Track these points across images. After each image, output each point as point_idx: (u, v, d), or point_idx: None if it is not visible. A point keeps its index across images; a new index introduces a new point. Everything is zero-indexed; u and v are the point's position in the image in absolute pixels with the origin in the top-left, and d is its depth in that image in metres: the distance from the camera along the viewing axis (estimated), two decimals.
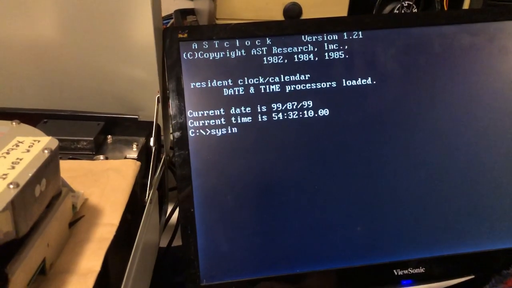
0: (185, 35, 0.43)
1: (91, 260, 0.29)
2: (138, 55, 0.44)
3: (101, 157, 0.41)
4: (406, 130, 0.44)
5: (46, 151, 0.27)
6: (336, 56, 0.44)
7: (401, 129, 0.44)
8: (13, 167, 0.26)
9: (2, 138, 0.29)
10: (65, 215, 0.30)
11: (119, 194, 0.35)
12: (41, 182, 0.26)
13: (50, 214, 0.28)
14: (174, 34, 0.43)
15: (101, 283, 0.29)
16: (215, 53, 0.43)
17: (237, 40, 0.43)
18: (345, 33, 0.44)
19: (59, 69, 0.45)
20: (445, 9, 0.52)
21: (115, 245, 0.31)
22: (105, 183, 0.36)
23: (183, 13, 0.70)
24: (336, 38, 0.44)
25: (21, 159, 0.26)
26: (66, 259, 0.29)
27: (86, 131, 0.42)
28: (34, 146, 0.28)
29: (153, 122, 0.43)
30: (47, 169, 0.27)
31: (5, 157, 0.27)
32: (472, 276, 0.44)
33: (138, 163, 0.39)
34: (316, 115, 0.44)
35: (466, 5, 0.54)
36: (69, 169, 0.37)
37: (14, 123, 0.31)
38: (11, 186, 0.24)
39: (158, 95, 0.43)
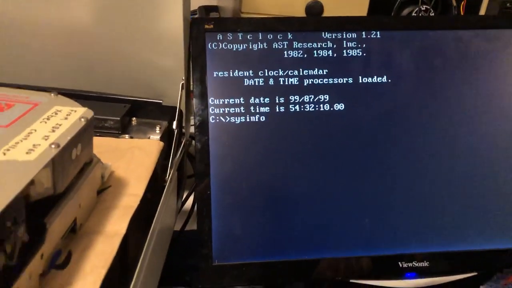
0: (211, 26, 0.45)
1: (117, 224, 0.31)
2: (166, 44, 0.46)
3: (126, 136, 0.43)
4: (418, 128, 0.46)
5: (82, 119, 0.30)
6: (354, 53, 0.46)
7: (413, 127, 0.46)
8: (53, 131, 0.28)
9: (42, 107, 0.31)
10: (94, 182, 0.32)
11: (143, 169, 0.37)
12: (77, 147, 0.29)
13: (83, 178, 0.30)
14: (201, 25, 0.45)
15: (124, 247, 0.31)
16: (238, 45, 0.45)
17: (260, 34, 0.46)
18: (363, 32, 0.46)
19: (90, 53, 0.47)
20: (462, 14, 0.54)
21: (138, 214, 0.33)
22: (130, 159, 0.38)
23: (207, 9, 0.72)
24: (355, 36, 0.46)
25: (60, 125, 0.29)
26: (94, 222, 0.31)
27: (113, 111, 0.44)
28: (71, 114, 0.30)
29: (176, 107, 0.45)
30: (83, 135, 0.29)
31: (45, 122, 0.29)
32: (475, 273, 0.45)
33: (162, 143, 0.41)
34: (331, 109, 0.45)
35: (482, 11, 0.55)
36: (97, 145, 0.39)
37: (52, 95, 0.33)
38: (53, 146, 0.26)
39: (183, 82, 0.46)
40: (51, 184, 0.26)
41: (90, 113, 0.31)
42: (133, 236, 0.32)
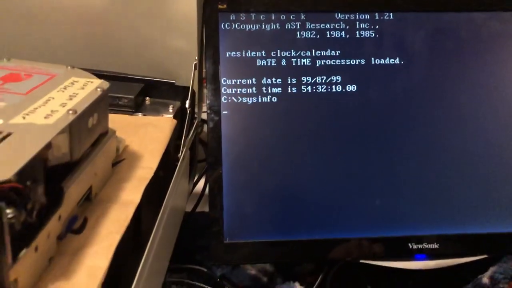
0: (224, 6, 0.46)
1: (131, 193, 0.32)
2: (179, 24, 0.46)
3: (140, 114, 0.44)
4: (430, 109, 0.46)
5: (99, 89, 0.30)
6: (367, 35, 0.46)
7: (424, 109, 0.46)
8: (70, 99, 0.29)
9: (59, 78, 0.32)
10: (110, 153, 0.33)
11: (157, 144, 0.38)
12: (93, 116, 0.29)
13: (98, 148, 0.31)
14: (214, 4, 0.46)
15: (138, 216, 0.31)
16: (251, 25, 0.46)
17: (273, 14, 0.46)
18: (376, 14, 0.46)
19: (105, 33, 0.48)
20: None
21: (152, 186, 0.34)
22: (144, 134, 0.39)
23: None
24: (368, 17, 0.46)
25: (77, 94, 0.29)
26: (109, 191, 0.32)
27: (127, 90, 0.45)
28: (88, 85, 0.31)
29: (189, 87, 0.46)
30: (99, 105, 0.30)
31: (63, 91, 0.30)
32: (485, 256, 0.45)
33: (175, 120, 0.42)
34: (343, 90, 0.46)
35: None
36: (111, 121, 0.40)
37: (69, 67, 0.34)
38: (70, 112, 0.27)
39: (195, 62, 0.46)
40: (68, 149, 0.27)
41: (106, 84, 0.31)
42: (146, 207, 0.33)
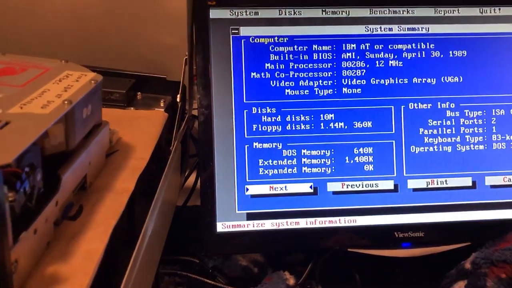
0: (214, 2, 0.47)
1: (125, 182, 0.33)
2: (170, 20, 0.48)
3: (132, 109, 0.45)
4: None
5: (92, 82, 0.31)
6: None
7: None
8: (65, 90, 0.30)
9: (53, 71, 0.33)
10: (103, 143, 0.34)
11: (149, 136, 0.39)
12: (87, 106, 0.30)
13: (93, 138, 0.32)
14: (204, 1, 0.47)
15: (132, 204, 0.32)
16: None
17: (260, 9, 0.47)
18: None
19: (96, 30, 0.49)
20: None
21: (145, 176, 0.35)
22: (136, 127, 0.40)
23: None
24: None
25: (71, 86, 0.30)
26: (103, 181, 0.33)
27: (119, 85, 0.46)
28: (82, 77, 0.32)
29: (179, 82, 0.47)
30: (93, 96, 0.31)
31: (58, 83, 0.31)
32: (469, 243, 0.47)
33: (166, 114, 0.43)
34: None
35: None
36: (104, 114, 0.41)
37: (63, 61, 0.35)
38: (65, 102, 0.28)
39: (186, 57, 0.47)
40: (63, 138, 0.28)
41: (99, 77, 0.32)
42: (139, 196, 0.34)
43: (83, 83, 0.31)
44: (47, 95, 0.28)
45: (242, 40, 0.46)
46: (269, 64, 0.46)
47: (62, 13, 0.48)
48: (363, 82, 0.47)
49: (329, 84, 0.47)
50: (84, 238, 0.27)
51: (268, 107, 0.46)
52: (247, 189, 0.46)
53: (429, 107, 0.47)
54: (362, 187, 0.46)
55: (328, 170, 0.46)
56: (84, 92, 0.30)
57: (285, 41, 0.47)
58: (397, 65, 0.47)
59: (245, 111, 0.46)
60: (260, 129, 0.46)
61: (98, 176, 0.33)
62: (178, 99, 0.46)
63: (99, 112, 0.33)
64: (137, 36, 0.48)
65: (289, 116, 0.46)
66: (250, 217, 0.46)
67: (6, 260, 0.22)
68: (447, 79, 0.47)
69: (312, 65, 0.47)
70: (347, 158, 0.46)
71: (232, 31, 0.46)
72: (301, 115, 0.46)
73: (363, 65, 0.47)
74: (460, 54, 0.48)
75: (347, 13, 0.47)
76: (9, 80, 0.30)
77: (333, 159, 0.46)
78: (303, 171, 0.46)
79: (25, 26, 0.48)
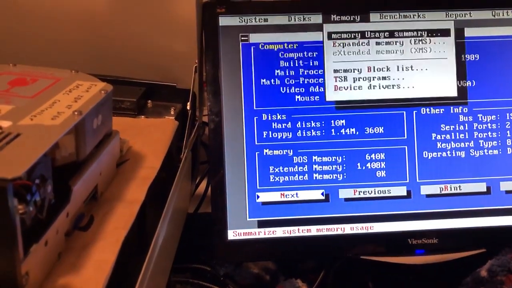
0: (223, 10, 0.47)
1: (136, 192, 0.33)
2: (179, 28, 0.48)
3: (142, 117, 0.45)
4: None
5: (103, 92, 0.31)
6: None
7: None
8: (75, 101, 0.30)
9: (64, 81, 0.33)
10: (114, 153, 0.34)
11: (159, 145, 0.39)
12: (98, 117, 0.30)
13: (103, 148, 0.32)
14: (213, 9, 0.47)
15: (143, 213, 0.32)
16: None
17: (269, 17, 0.47)
18: None
19: (106, 38, 0.49)
20: None
21: (156, 185, 0.35)
22: (146, 136, 0.40)
23: None
24: None
25: (82, 96, 0.31)
26: (114, 190, 0.33)
27: (129, 93, 0.46)
28: (92, 88, 0.32)
29: (189, 89, 0.47)
30: (103, 106, 0.31)
31: (68, 94, 0.31)
32: (484, 250, 0.46)
33: (176, 122, 0.43)
34: None
35: None
36: (114, 123, 0.41)
37: (73, 71, 0.35)
38: (76, 113, 0.28)
39: (196, 65, 0.47)
40: (74, 149, 0.28)
41: (109, 87, 0.32)
42: (150, 205, 0.34)
43: (93, 93, 0.31)
44: (57, 106, 0.29)
45: (252, 47, 0.46)
46: (279, 71, 0.46)
47: (72, 22, 0.48)
48: None
49: None
50: (95, 248, 0.27)
51: (278, 114, 0.46)
52: (258, 197, 0.45)
53: (441, 112, 0.47)
54: (375, 193, 0.46)
55: (340, 176, 0.46)
56: (95, 102, 0.30)
57: (294, 47, 0.46)
58: (408, 69, 0.47)
59: (255, 117, 0.46)
60: (270, 136, 0.46)
61: (108, 186, 0.33)
62: (188, 107, 0.46)
63: (109, 122, 0.33)
64: (147, 44, 0.48)
65: (299, 122, 0.46)
66: (261, 224, 0.45)
67: (17, 273, 0.22)
68: (460, 83, 0.47)
69: (322, 71, 0.46)
70: (358, 164, 0.46)
71: (242, 38, 0.46)
72: (312, 121, 0.46)
73: None
74: (472, 58, 0.47)
75: (357, 19, 0.47)
76: (20, 91, 0.30)
77: (344, 165, 0.46)
78: (314, 178, 0.46)
79: (36, 35, 0.49)
